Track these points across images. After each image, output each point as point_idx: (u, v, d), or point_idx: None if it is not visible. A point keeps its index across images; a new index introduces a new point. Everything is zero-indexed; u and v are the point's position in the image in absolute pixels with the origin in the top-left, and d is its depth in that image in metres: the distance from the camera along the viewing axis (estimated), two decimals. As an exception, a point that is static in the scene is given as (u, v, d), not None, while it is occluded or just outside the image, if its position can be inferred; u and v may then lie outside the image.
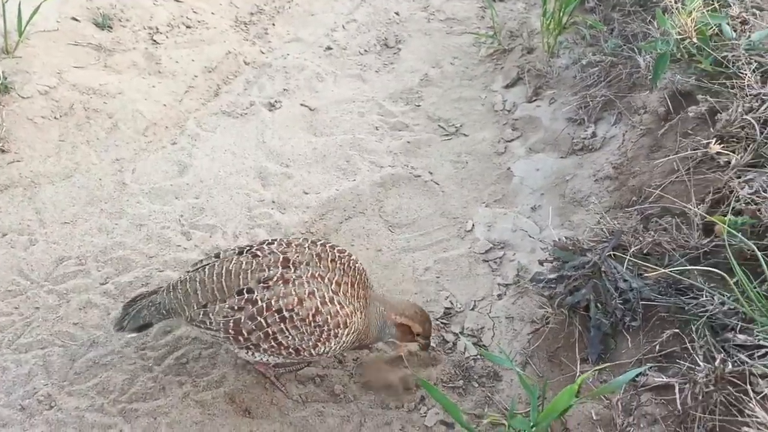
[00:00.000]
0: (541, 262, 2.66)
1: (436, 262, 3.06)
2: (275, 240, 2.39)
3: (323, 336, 2.24)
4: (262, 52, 4.32)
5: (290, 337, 2.23)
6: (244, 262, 2.28)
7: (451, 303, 2.87)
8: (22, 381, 2.54)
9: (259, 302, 2.21)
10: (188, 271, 2.41)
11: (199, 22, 4.36)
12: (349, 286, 2.31)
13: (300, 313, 2.20)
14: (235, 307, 2.23)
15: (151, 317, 2.40)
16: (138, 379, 2.56)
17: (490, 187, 3.43)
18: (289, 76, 4.14)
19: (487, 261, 3.04)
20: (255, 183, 3.45)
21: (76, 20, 4.04)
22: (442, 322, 2.79)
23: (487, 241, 3.12)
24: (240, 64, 4.20)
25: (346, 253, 2.38)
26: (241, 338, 2.25)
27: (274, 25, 4.57)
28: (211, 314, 2.26)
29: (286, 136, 3.73)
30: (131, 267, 2.99)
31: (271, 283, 2.22)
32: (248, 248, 2.36)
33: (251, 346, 2.28)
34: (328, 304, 2.23)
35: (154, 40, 4.15)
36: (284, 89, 4.05)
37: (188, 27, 4.30)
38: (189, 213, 3.27)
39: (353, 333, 2.31)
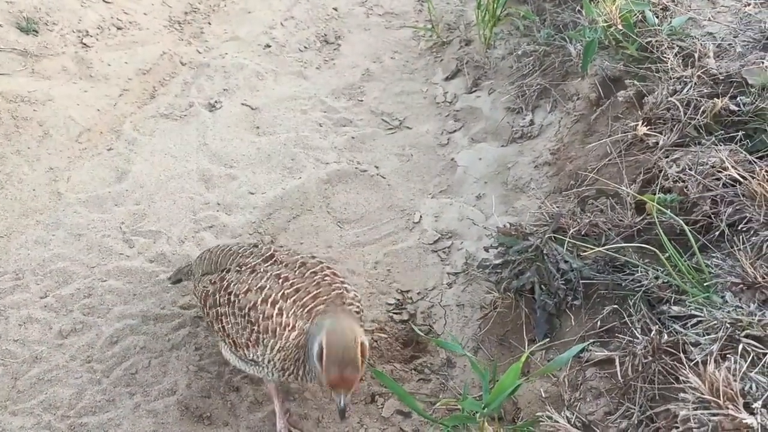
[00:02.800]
0: (486, 249, 2.72)
1: (386, 255, 3.09)
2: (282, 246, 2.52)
3: (252, 336, 2.09)
4: (199, 52, 4.23)
5: (230, 325, 2.17)
6: (244, 248, 2.40)
7: (403, 295, 2.90)
8: (-40, 405, 2.43)
9: (224, 282, 2.25)
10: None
11: (130, 23, 4.23)
12: (311, 298, 2.08)
13: (240, 302, 2.13)
14: (211, 282, 2.31)
15: (182, 275, 2.73)
16: (86, 393, 2.49)
17: (435, 178, 3.48)
18: (228, 75, 4.08)
19: (436, 251, 3.09)
20: (198, 186, 3.39)
21: (-2, 25, 3.87)
22: (394, 312, 2.82)
23: (435, 232, 3.17)
24: (176, 64, 4.10)
25: (340, 278, 2.21)
26: (206, 310, 2.31)
27: (210, 24, 4.48)
28: (199, 283, 2.40)
29: (229, 137, 3.68)
30: (72, 279, 2.89)
31: (243, 268, 2.26)
32: (258, 243, 2.50)
33: (211, 322, 2.30)
34: (268, 305, 2.06)
35: (84, 44, 4.01)
36: (224, 89, 3.98)
37: (119, 29, 4.17)
38: (130, 220, 3.18)
39: (279, 351, 2.05)
